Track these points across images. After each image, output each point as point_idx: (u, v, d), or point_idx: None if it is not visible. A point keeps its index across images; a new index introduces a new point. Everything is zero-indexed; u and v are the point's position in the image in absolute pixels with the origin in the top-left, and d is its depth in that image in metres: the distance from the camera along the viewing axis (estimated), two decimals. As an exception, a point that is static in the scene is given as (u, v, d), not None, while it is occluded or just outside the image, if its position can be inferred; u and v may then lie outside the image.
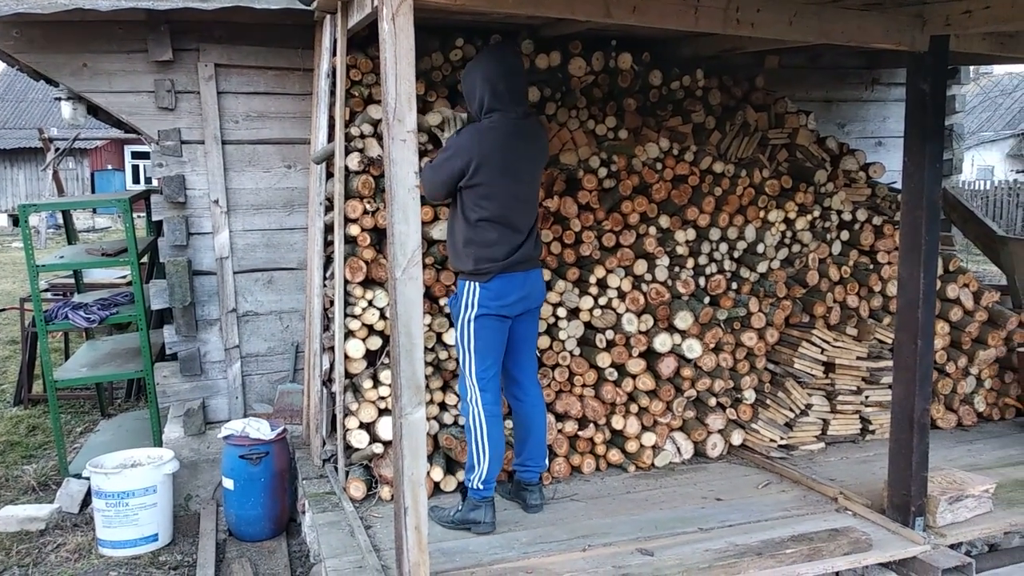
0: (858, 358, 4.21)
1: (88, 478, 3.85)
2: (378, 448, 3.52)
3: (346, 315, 3.56)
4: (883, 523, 3.24)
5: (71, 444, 5.09)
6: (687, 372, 3.92)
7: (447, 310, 3.65)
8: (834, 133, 5.19)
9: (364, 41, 3.86)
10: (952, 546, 3.15)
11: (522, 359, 3.38)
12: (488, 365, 3.22)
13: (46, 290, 6.23)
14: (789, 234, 4.34)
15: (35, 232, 13.98)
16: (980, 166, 21.30)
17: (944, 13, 3.00)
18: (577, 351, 3.84)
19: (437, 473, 3.51)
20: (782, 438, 4.04)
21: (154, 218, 4.27)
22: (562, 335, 3.78)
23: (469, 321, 3.18)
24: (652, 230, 4.00)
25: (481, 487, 3.19)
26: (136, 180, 23.01)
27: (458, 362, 3.31)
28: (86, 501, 4.08)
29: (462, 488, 3.33)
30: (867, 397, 4.25)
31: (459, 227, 3.20)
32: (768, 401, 4.11)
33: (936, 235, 3.14)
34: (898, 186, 3.96)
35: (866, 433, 4.28)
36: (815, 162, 4.56)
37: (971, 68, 6.18)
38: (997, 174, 20.49)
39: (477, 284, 3.16)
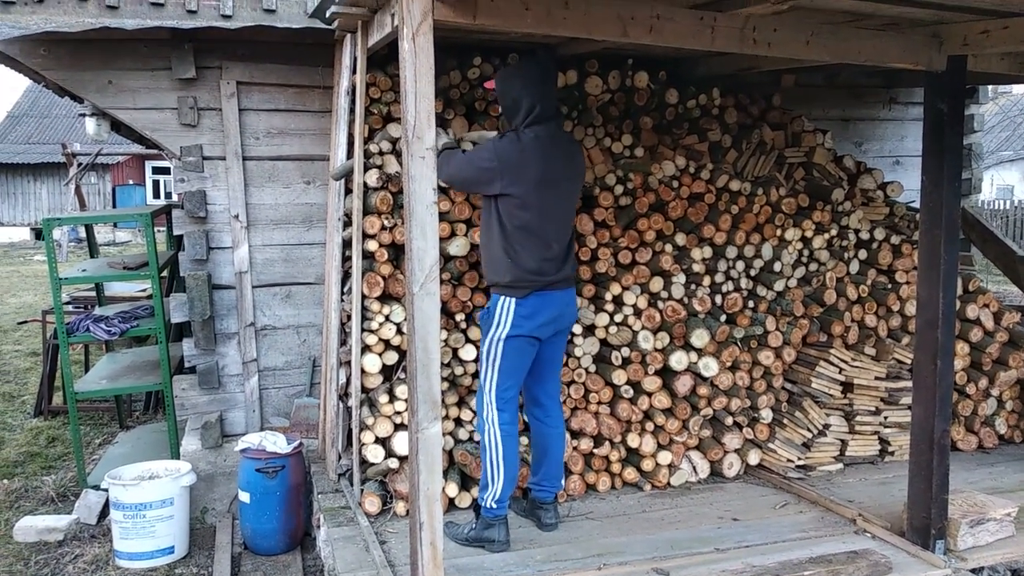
0: (877, 378, 4.17)
1: (106, 490, 3.88)
2: (393, 463, 3.53)
3: (363, 330, 3.59)
4: (903, 546, 3.20)
5: (90, 456, 5.14)
6: (703, 390, 3.90)
7: (463, 325, 3.66)
8: (851, 152, 5.18)
9: (383, 59, 3.91)
10: (973, 571, 3.11)
11: (547, 381, 3.35)
12: (509, 386, 3.19)
13: (68, 303, 6.31)
14: (806, 252, 4.32)
15: (57, 246, 14.16)
16: (999, 185, 21.12)
17: (962, 33, 3.00)
18: (592, 368, 3.84)
19: (452, 489, 3.51)
20: (799, 458, 4.01)
21: (175, 232, 4.32)
22: (577, 352, 3.78)
23: (499, 340, 3.13)
24: (668, 248, 4.00)
25: (495, 506, 3.18)
26: (156, 195, 23.30)
27: (478, 377, 3.28)
28: (104, 512, 4.11)
29: (476, 505, 3.31)
30: (886, 418, 4.21)
31: (495, 236, 3.14)
32: (785, 421, 4.08)
33: (955, 255, 3.12)
34: (916, 205, 3.95)
35: (885, 454, 4.24)
36: (832, 181, 4.55)
37: (990, 87, 6.14)
38: (1017, 194, 20.30)
39: (512, 300, 3.11)
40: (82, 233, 14.30)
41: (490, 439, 3.17)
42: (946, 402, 3.17)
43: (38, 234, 20.90)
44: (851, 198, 4.52)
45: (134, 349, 5.82)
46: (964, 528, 3.16)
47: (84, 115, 4.81)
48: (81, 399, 4.66)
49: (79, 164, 12.87)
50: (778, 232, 4.23)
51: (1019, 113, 21.06)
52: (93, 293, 6.20)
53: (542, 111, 3.12)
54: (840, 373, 4.12)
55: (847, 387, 4.15)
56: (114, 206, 21.59)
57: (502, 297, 3.14)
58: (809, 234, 4.31)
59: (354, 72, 3.71)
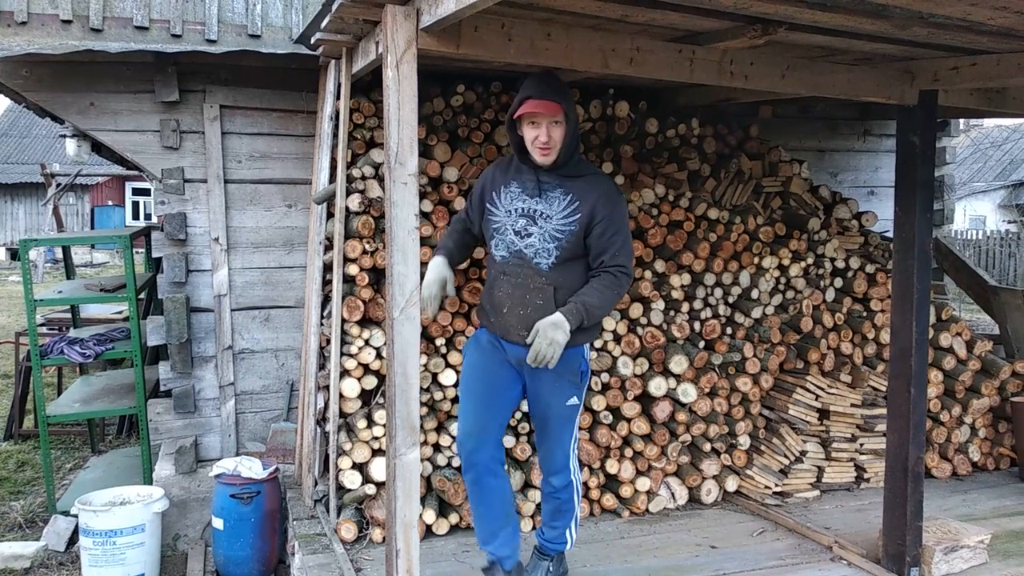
0: (852, 405, 4.22)
1: (76, 516, 3.81)
2: (371, 489, 3.50)
3: (342, 354, 3.57)
4: (878, 573, 3.21)
5: (60, 481, 5.04)
6: (682, 416, 3.92)
7: (443, 350, 3.66)
8: (827, 182, 5.28)
9: (367, 86, 3.94)
10: (948, 597, 3.13)
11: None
12: None
13: (42, 324, 6.23)
14: (783, 280, 4.38)
15: (33, 266, 14.00)
16: (972, 216, 21.53)
17: (932, 69, 3.09)
18: (572, 394, 3.84)
19: (429, 516, 3.49)
20: (777, 485, 4.03)
21: (154, 255, 4.30)
22: (557, 377, 3.78)
23: (585, 389, 2.97)
24: (648, 274, 4.04)
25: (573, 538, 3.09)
26: (136, 216, 23.11)
27: (563, 438, 2.94)
28: (73, 539, 4.03)
29: (540, 552, 3.11)
30: (862, 445, 4.25)
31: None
32: (763, 447, 4.10)
33: (927, 283, 3.18)
34: (890, 235, 4.02)
35: (861, 481, 4.27)
36: (808, 210, 4.63)
37: (961, 120, 6.30)
38: (989, 224, 20.70)
39: (587, 347, 2.96)
40: (59, 254, 14.14)
41: (576, 486, 3.02)
42: (920, 429, 3.21)
43: (14, 254, 20.62)
44: (827, 227, 4.60)
45: (108, 372, 5.74)
46: (938, 555, 3.19)
47: (65, 136, 4.80)
48: (53, 422, 4.59)
49: (58, 184, 12.77)
50: (755, 260, 4.29)
51: (990, 146, 21.56)
52: (68, 315, 6.12)
53: None
54: (816, 400, 4.16)
55: (823, 414, 4.19)
56: (92, 227, 21.39)
57: (582, 348, 2.90)
58: (786, 262, 4.37)
59: (338, 97, 3.73)
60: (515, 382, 2.92)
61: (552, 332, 2.63)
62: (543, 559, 3.09)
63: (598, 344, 3.88)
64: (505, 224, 2.83)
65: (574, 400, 2.90)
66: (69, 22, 3.84)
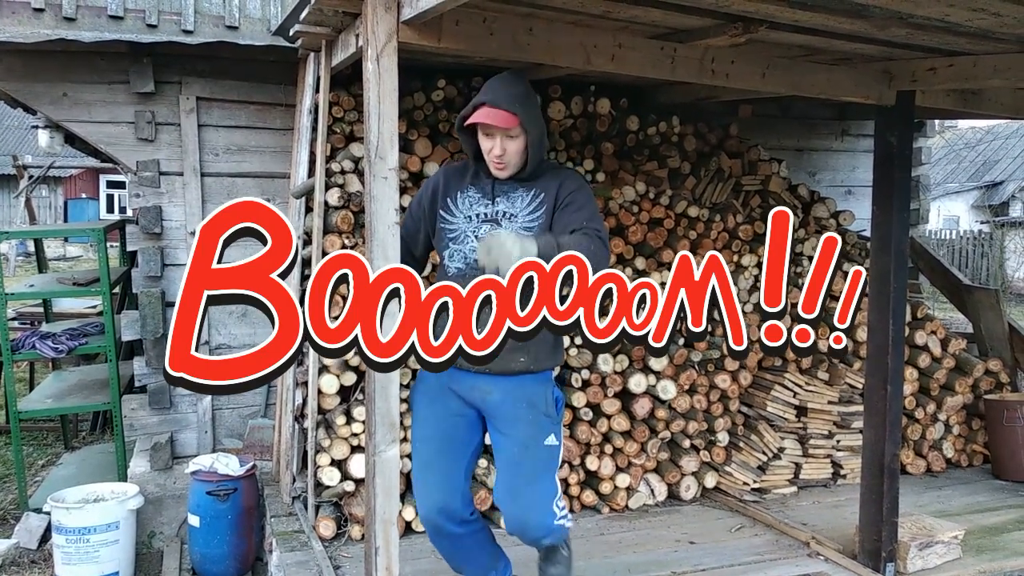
0: (829, 402, 4.26)
1: (48, 513, 3.74)
2: (349, 486, 3.48)
3: (321, 350, 3.53)
4: (855, 568, 3.25)
5: (32, 477, 4.95)
6: (661, 413, 3.93)
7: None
8: (805, 181, 5.31)
9: (347, 79, 3.90)
10: (922, 592, 3.17)
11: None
12: None
13: (14, 318, 6.11)
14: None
15: (4, 259, 13.76)
16: (946, 216, 21.83)
17: (910, 70, 3.12)
18: (552, 390, 3.84)
19: (409, 512, 3.47)
20: (755, 481, 4.05)
21: (128, 248, 4.23)
22: (537, 374, 3.77)
23: (562, 426, 2.66)
24: (628, 271, 4.05)
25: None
26: (110, 209, 22.77)
27: (546, 488, 2.55)
28: (45, 537, 3.96)
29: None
30: (838, 441, 4.29)
31: None
32: (741, 444, 4.13)
33: (904, 282, 3.21)
34: (867, 234, 4.06)
35: (838, 477, 4.31)
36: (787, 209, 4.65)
37: (937, 121, 6.38)
38: (962, 224, 20.99)
39: (553, 372, 2.65)
40: (31, 247, 13.91)
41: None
42: (896, 426, 3.25)
43: (-16, 247, 20.22)
44: (805, 226, 4.63)
45: (82, 367, 5.65)
46: (913, 551, 3.23)
47: (37, 127, 4.72)
48: (25, 419, 4.50)
49: (30, 176, 12.56)
50: (735, 258, 4.31)
51: (964, 147, 21.87)
52: (40, 309, 6.02)
53: None
54: (794, 397, 4.19)
55: (801, 411, 4.23)
56: (66, 220, 21.04)
57: (550, 373, 2.63)
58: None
59: (317, 91, 3.69)
60: (475, 430, 2.60)
61: (505, 236, 2.15)
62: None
63: (578, 340, 3.88)
64: (465, 231, 2.52)
65: (553, 439, 2.53)
66: (41, 10, 3.77)
